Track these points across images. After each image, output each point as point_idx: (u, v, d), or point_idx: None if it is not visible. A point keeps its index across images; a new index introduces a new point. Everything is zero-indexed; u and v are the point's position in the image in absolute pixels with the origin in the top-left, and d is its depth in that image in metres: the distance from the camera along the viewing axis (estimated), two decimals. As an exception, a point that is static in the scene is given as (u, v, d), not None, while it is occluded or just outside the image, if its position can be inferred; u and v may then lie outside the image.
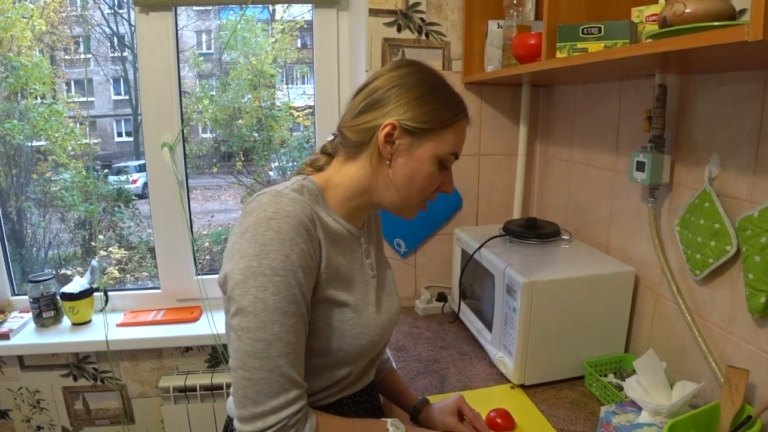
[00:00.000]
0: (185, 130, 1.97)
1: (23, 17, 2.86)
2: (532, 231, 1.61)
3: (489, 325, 1.52)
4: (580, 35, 1.17)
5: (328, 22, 1.89)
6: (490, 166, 1.90)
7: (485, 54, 1.73)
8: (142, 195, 3.59)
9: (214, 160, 2.88)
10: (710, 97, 1.17)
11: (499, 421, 1.21)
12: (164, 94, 1.90)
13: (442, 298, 1.88)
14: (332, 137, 1.05)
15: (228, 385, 1.89)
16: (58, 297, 1.97)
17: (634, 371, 1.15)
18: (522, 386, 1.39)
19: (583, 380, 1.40)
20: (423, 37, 1.78)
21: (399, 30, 1.76)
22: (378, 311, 0.99)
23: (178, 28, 1.93)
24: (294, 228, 0.82)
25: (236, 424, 0.82)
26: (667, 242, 1.31)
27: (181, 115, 1.94)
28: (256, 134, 2.67)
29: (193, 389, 1.89)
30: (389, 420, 0.97)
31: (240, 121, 2.72)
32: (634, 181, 1.30)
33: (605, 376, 1.36)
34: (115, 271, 2.75)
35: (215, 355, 1.99)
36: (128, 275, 2.81)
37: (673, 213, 1.29)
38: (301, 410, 0.83)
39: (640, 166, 1.27)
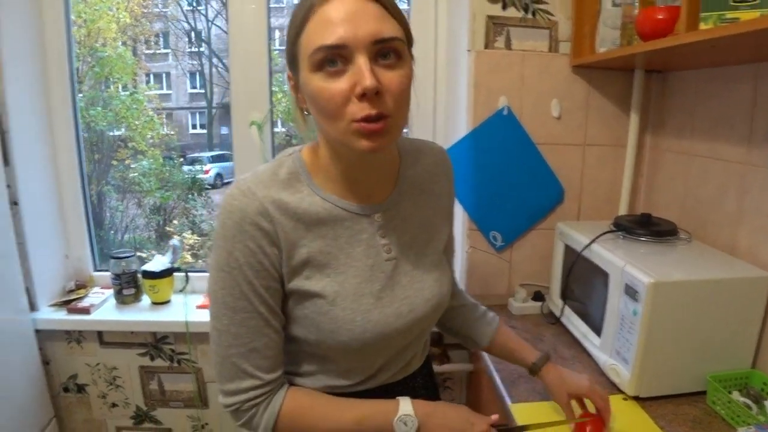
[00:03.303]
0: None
1: (109, 10, 2.94)
2: (647, 228, 1.47)
3: (597, 329, 1.39)
4: (731, 3, 1.04)
5: (425, 1, 1.81)
6: (595, 157, 1.76)
7: (597, 34, 1.61)
8: (214, 185, 3.65)
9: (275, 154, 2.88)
10: None
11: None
12: (254, 70, 1.86)
13: (538, 297, 1.76)
14: None
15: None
16: (139, 275, 1.95)
17: (762, 389, 0.99)
18: (637, 398, 1.24)
19: (704, 396, 1.24)
20: (529, 15, 1.66)
21: (504, 7, 1.65)
22: (378, 302, 0.87)
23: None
24: (236, 224, 0.79)
25: None
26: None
27: (270, 93, 1.90)
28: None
29: (272, 376, 1.82)
30: (400, 410, 0.88)
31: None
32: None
33: (729, 393, 1.21)
34: (188, 256, 2.75)
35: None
36: (200, 260, 2.81)
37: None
38: (255, 398, 0.85)
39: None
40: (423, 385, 1.05)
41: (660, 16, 1.29)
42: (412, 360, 1.01)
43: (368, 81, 0.71)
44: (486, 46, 1.66)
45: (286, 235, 0.82)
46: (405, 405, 0.88)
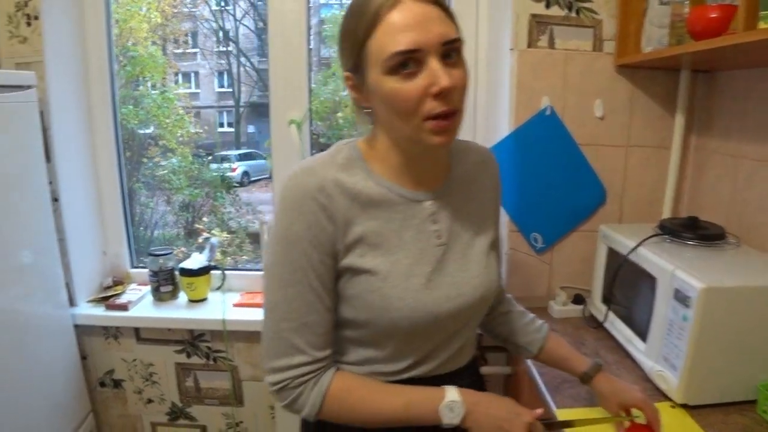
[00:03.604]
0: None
1: (141, 10, 2.96)
2: (694, 231, 1.43)
3: (642, 334, 1.36)
4: (792, 1, 1.01)
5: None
6: (638, 159, 1.73)
7: (643, 33, 1.58)
8: (241, 183, 3.66)
9: (313, 152, 2.87)
10: None
11: None
12: (294, 69, 1.86)
13: (579, 300, 1.73)
14: None
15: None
16: (176, 272, 1.97)
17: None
18: (685, 406, 1.21)
19: (754, 405, 1.19)
20: (573, 14, 1.64)
21: (548, 6, 1.63)
22: (428, 283, 0.89)
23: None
24: (297, 199, 0.83)
25: None
26: None
27: (309, 91, 1.90)
28: (354, 128, 2.65)
29: (308, 377, 1.82)
30: (447, 396, 0.88)
31: (339, 114, 2.70)
32: None
33: (780, 402, 1.17)
34: (218, 254, 2.77)
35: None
36: (229, 258, 2.83)
37: None
38: (304, 376, 0.86)
39: None
40: (470, 384, 1.02)
41: (713, 15, 1.26)
42: (459, 353, 1.00)
43: (445, 81, 0.76)
44: (529, 46, 1.64)
45: (342, 213, 0.85)
46: (452, 392, 0.89)
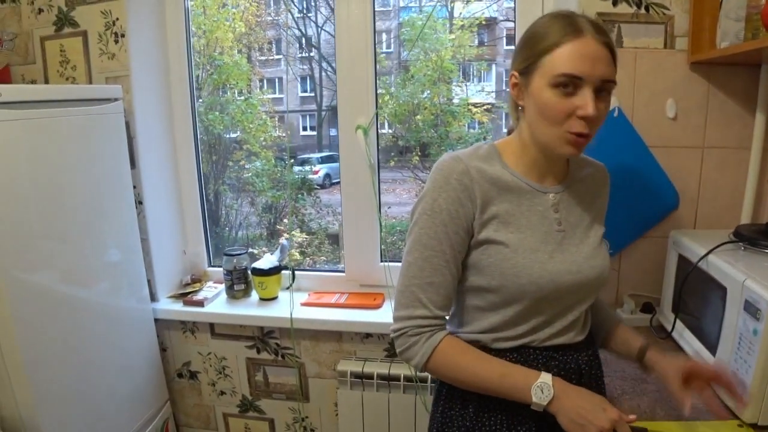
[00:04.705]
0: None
1: (226, 21, 3.12)
2: (773, 238, 1.34)
3: (712, 347, 1.28)
4: None
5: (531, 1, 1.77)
6: (715, 161, 1.63)
7: (718, 28, 1.48)
8: (323, 185, 3.76)
9: (392, 154, 2.88)
10: None
11: None
12: (360, 75, 1.91)
13: (647, 308, 1.65)
14: None
15: (405, 378, 1.85)
16: (249, 272, 2.06)
17: None
18: (754, 426, 1.13)
19: None
20: (642, 11, 1.57)
21: (615, 3, 1.57)
22: (551, 258, 1.02)
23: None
24: (444, 179, 1.01)
25: None
26: None
27: (376, 97, 1.93)
28: (433, 130, 2.64)
29: (369, 377, 1.86)
30: (541, 378, 0.97)
31: (418, 116, 2.70)
32: None
33: None
34: (296, 254, 2.86)
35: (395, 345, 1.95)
36: (307, 258, 2.91)
37: None
38: (423, 327, 1.02)
39: None
40: (587, 363, 1.11)
41: (791, 5, 1.17)
42: (573, 326, 1.09)
43: (592, 110, 0.92)
44: (595, 45, 1.59)
45: (481, 194, 1.01)
46: (546, 376, 0.97)
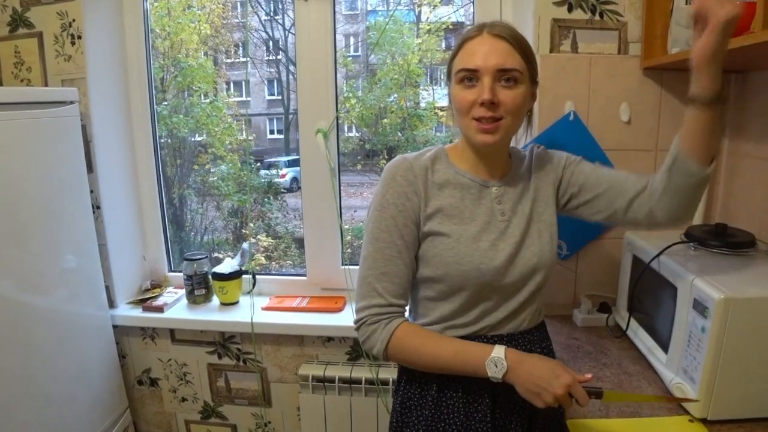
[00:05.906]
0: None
1: (191, 23, 3.08)
2: (721, 239, 1.37)
3: (664, 345, 1.31)
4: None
5: (490, 4, 1.79)
6: (668, 163, 1.67)
7: (669, 34, 1.52)
8: (290, 189, 3.73)
9: (359, 158, 2.88)
10: None
11: None
12: (320, 78, 1.91)
13: (604, 308, 1.68)
14: None
15: (366, 381, 1.85)
16: (210, 276, 2.04)
17: None
18: (704, 421, 1.16)
19: None
20: (597, 17, 1.60)
21: (570, 10, 1.60)
22: (493, 246, 1.10)
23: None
24: (391, 176, 1.11)
25: None
26: None
27: (336, 101, 1.93)
28: (400, 133, 2.65)
29: (331, 380, 1.86)
30: (494, 352, 1.02)
31: (385, 120, 2.71)
32: None
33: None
34: (262, 258, 2.84)
35: (356, 348, 1.95)
36: (273, 262, 2.89)
37: None
38: (381, 315, 1.10)
39: None
40: (541, 351, 1.20)
41: (736, 14, 1.21)
42: (519, 312, 1.15)
43: (487, 95, 1.02)
44: (551, 50, 1.62)
45: (425, 189, 1.11)
46: (498, 349, 1.03)
